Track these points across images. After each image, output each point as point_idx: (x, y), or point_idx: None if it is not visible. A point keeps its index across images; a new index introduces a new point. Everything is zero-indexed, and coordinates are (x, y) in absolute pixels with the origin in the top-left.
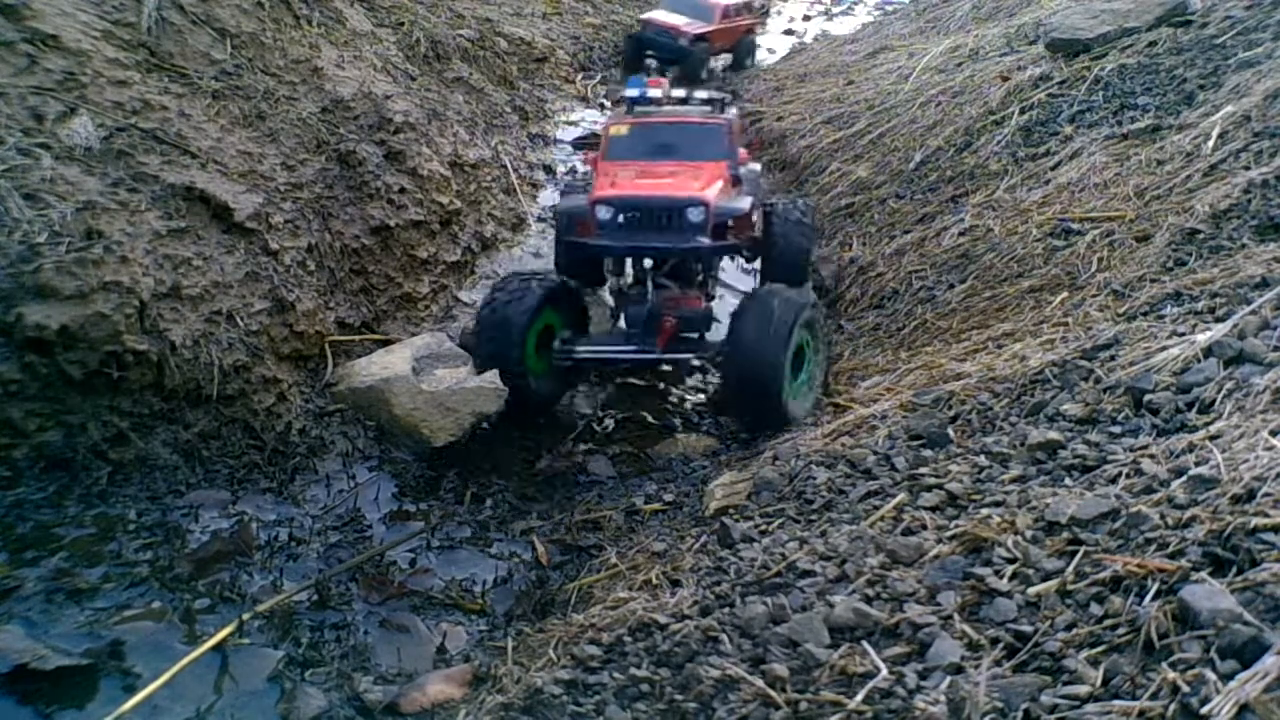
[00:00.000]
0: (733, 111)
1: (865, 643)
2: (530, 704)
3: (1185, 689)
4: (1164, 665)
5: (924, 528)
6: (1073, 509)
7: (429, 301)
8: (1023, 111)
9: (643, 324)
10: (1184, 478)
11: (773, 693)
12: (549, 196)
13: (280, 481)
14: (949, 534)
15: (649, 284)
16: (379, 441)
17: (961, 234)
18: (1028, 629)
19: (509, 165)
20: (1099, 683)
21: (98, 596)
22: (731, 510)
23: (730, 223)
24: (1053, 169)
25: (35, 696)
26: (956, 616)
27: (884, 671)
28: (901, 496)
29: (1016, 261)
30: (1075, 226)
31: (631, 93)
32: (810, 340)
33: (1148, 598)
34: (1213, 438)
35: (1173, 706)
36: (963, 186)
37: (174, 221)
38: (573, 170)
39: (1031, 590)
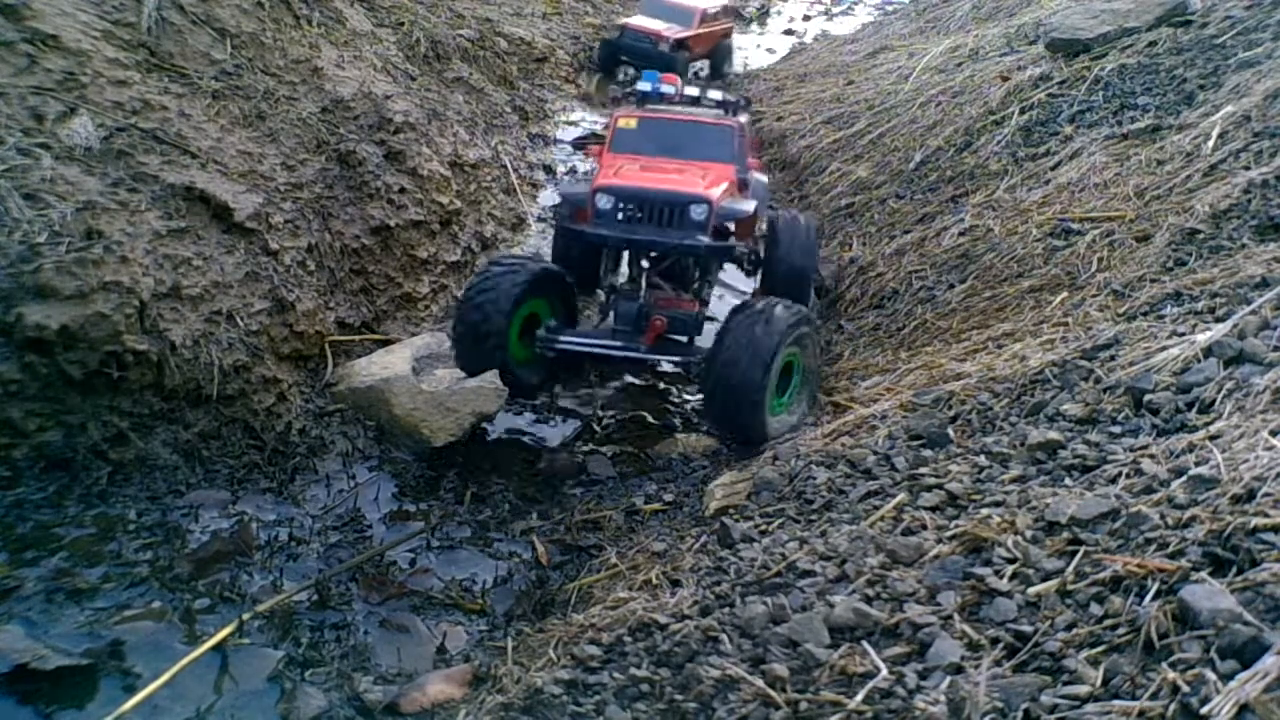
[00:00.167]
0: (744, 118)
1: (865, 643)
2: (530, 704)
3: (1185, 689)
4: (1164, 665)
5: (924, 528)
6: (1073, 509)
7: (429, 301)
8: (1023, 111)
9: (632, 321)
10: (1184, 478)
11: (773, 693)
12: (549, 196)
13: (280, 481)
14: (949, 534)
15: (642, 281)
16: (379, 441)
17: (961, 234)
18: (1028, 629)
19: (509, 165)
20: (1099, 683)
21: (98, 596)
22: (731, 510)
23: (733, 226)
24: (1053, 169)
25: (35, 696)
26: (956, 616)
27: (884, 671)
28: (901, 496)
29: (1016, 261)
30: (1075, 226)
31: (645, 86)
32: (800, 357)
33: (1148, 598)
34: (1213, 438)
35: (1173, 706)
36: (963, 186)
37: (174, 221)
38: (573, 170)
39: (1031, 590)
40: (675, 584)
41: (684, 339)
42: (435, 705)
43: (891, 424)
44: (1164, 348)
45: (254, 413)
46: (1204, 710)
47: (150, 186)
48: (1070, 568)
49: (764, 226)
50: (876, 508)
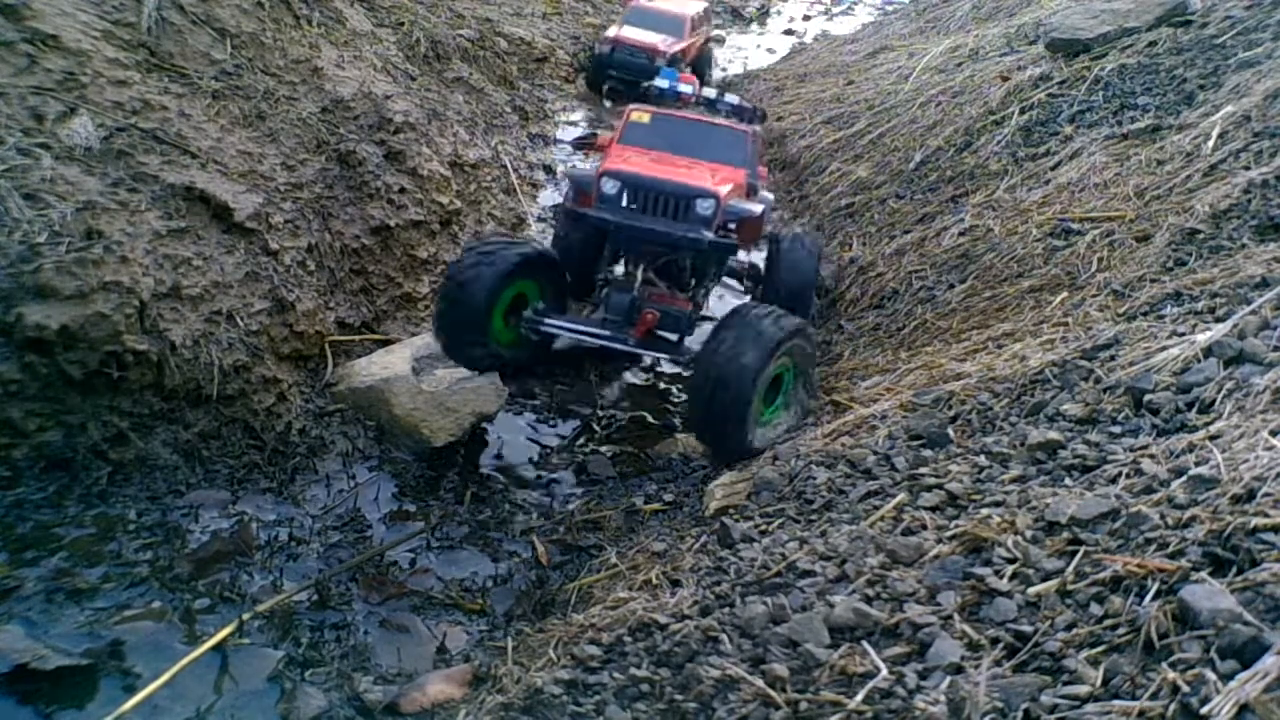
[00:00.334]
0: (757, 128)
1: (865, 643)
2: (530, 704)
3: (1185, 689)
4: (1164, 665)
5: (924, 528)
6: (1073, 509)
7: (429, 301)
8: (1023, 111)
9: (623, 312)
10: (1184, 478)
11: (773, 693)
12: (549, 196)
13: (280, 481)
14: (949, 534)
15: (638, 274)
16: (379, 441)
17: (961, 234)
18: (1028, 629)
19: (509, 165)
20: (1099, 683)
21: (98, 596)
22: (731, 510)
23: (736, 227)
24: (1053, 169)
25: (35, 696)
26: (956, 616)
27: (884, 671)
28: (901, 496)
29: (1016, 261)
30: (1075, 226)
31: (662, 83)
32: (792, 369)
33: (1148, 598)
34: (1213, 438)
35: (1173, 706)
36: (963, 186)
37: (174, 221)
38: (574, 168)
39: (1031, 590)
40: (675, 584)
41: (674, 337)
42: (435, 705)
43: (891, 424)
44: (1164, 348)
45: (254, 413)
46: (1204, 710)
47: (150, 186)
48: (1070, 568)
49: (767, 235)
50: (876, 508)
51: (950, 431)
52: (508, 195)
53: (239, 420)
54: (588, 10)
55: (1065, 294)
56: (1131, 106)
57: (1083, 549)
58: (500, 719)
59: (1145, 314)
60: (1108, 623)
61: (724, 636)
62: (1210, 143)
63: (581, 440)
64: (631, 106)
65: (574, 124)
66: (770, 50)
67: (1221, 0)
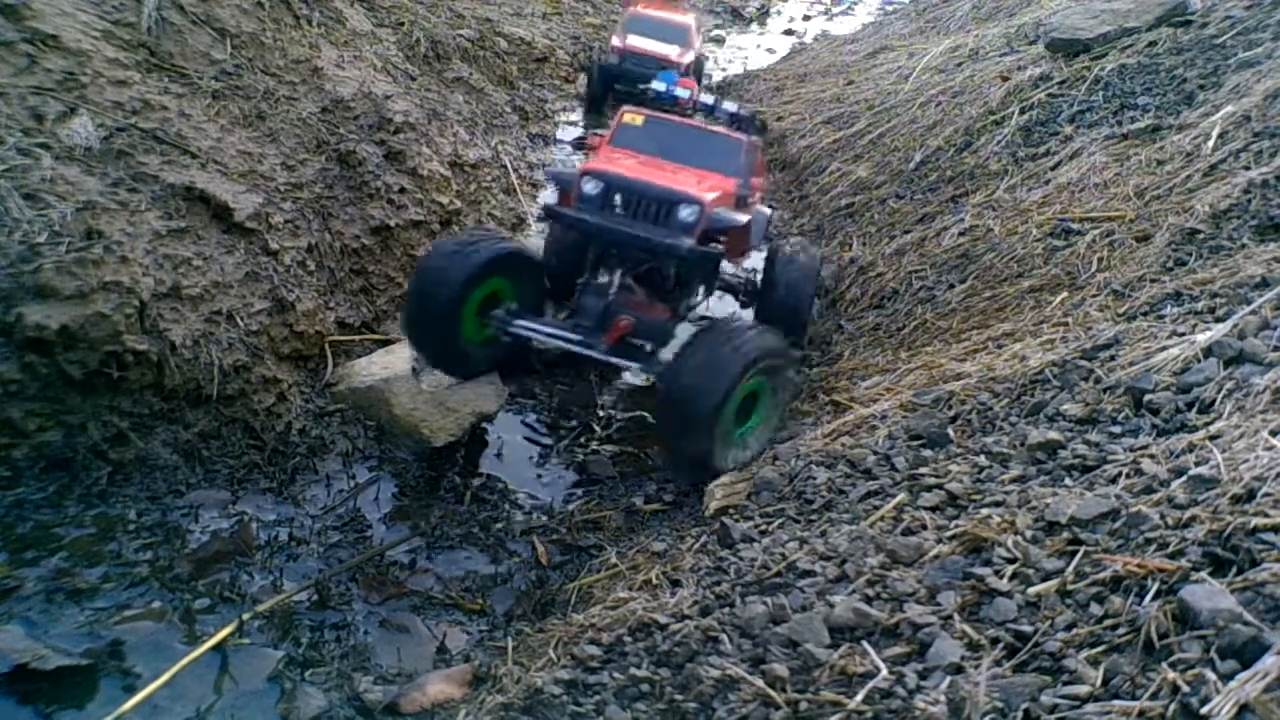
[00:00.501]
0: (754, 139)
1: (865, 643)
2: (530, 704)
3: (1185, 689)
4: (1164, 665)
5: (924, 528)
6: (1073, 509)
7: None
8: (1023, 111)
9: (596, 316)
10: (1184, 478)
11: (773, 693)
12: (549, 196)
13: (280, 481)
14: (949, 534)
15: (616, 278)
16: (379, 441)
17: (961, 234)
18: (1028, 629)
19: (509, 165)
20: (1099, 683)
21: (98, 596)
22: (731, 510)
23: (724, 237)
24: (1053, 169)
25: (35, 696)
26: (956, 616)
27: (884, 671)
28: (901, 496)
29: (1016, 261)
30: (1075, 226)
31: (659, 86)
32: (767, 388)
33: (1148, 598)
34: (1213, 438)
35: (1173, 706)
36: (963, 186)
37: (174, 221)
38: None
39: (1031, 590)
40: (675, 584)
41: (648, 347)
42: (435, 705)
43: (891, 424)
44: (1164, 348)
45: (254, 413)
46: (1204, 710)
47: (150, 186)
48: (1070, 568)
49: (757, 254)
50: (876, 508)
51: (950, 431)
52: (508, 195)
53: (239, 420)
54: (588, 10)
55: (1065, 294)
56: (1131, 106)
57: (1083, 549)
58: (500, 719)
59: (1145, 314)
60: (1108, 623)
61: (724, 636)
62: (1210, 143)
63: (581, 440)
64: (624, 108)
65: (574, 124)
66: (770, 50)
67: (1221, 0)
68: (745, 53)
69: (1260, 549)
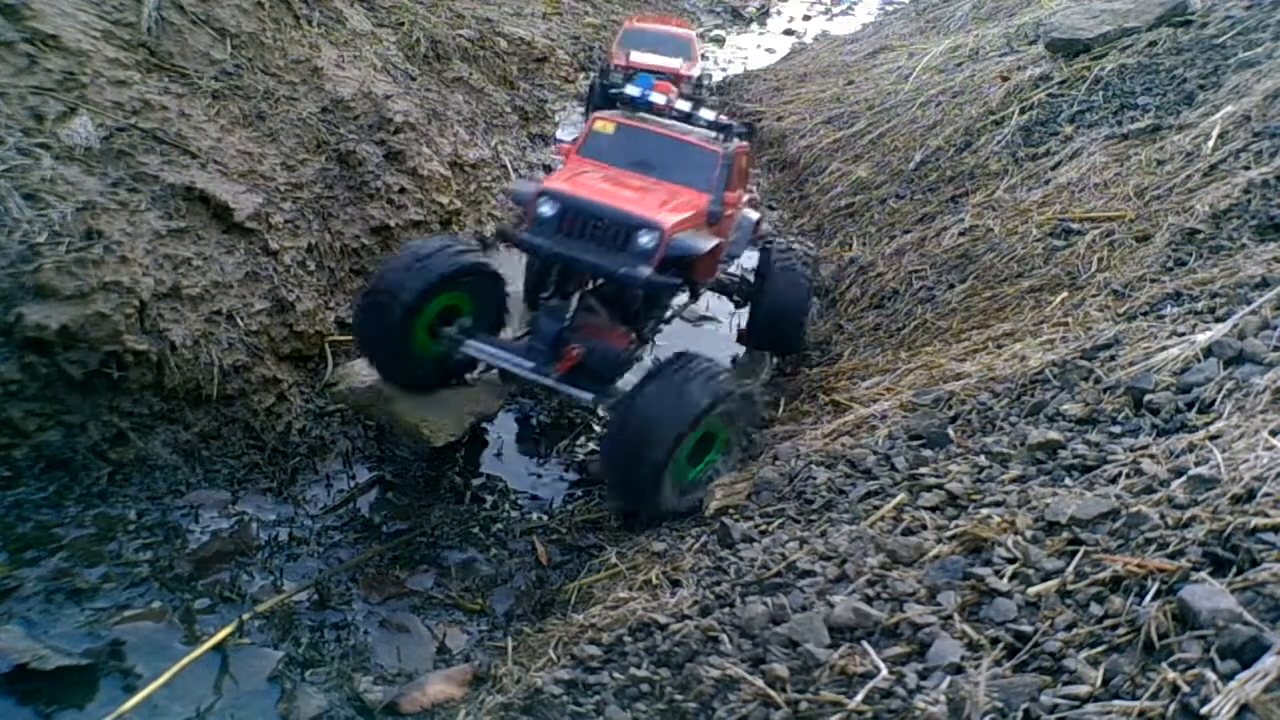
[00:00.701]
0: (735, 144)
1: (865, 643)
2: (530, 704)
3: (1185, 689)
4: (1164, 665)
5: (924, 528)
6: (1073, 509)
7: None
8: (1023, 111)
9: (549, 342)
10: (1184, 478)
11: (773, 693)
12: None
13: (280, 481)
14: (949, 534)
15: (574, 302)
16: (379, 441)
17: (961, 234)
18: (1028, 629)
19: (509, 165)
20: (1099, 683)
21: (98, 596)
22: (731, 510)
23: (691, 262)
24: (1053, 169)
25: (35, 696)
26: (956, 616)
27: (884, 671)
28: (901, 496)
29: (1016, 261)
30: (1075, 226)
31: (633, 91)
32: (725, 432)
33: (1148, 598)
34: (1213, 438)
35: (1173, 706)
36: (963, 186)
37: (174, 221)
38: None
39: (1031, 590)
40: (675, 584)
41: (604, 376)
42: (435, 705)
43: (891, 424)
44: (1164, 348)
45: (254, 413)
46: (1204, 710)
47: (150, 186)
48: (1070, 568)
49: (736, 269)
50: (876, 508)
51: (950, 431)
52: None
53: (239, 420)
54: (588, 10)
55: (1065, 294)
56: (1131, 106)
57: (1083, 549)
58: (500, 719)
59: (1145, 314)
60: (1108, 623)
61: (724, 636)
62: (1210, 143)
63: (581, 440)
64: (596, 115)
65: (575, 124)
66: (770, 50)
67: (1221, 0)
68: (745, 53)
69: (1260, 549)
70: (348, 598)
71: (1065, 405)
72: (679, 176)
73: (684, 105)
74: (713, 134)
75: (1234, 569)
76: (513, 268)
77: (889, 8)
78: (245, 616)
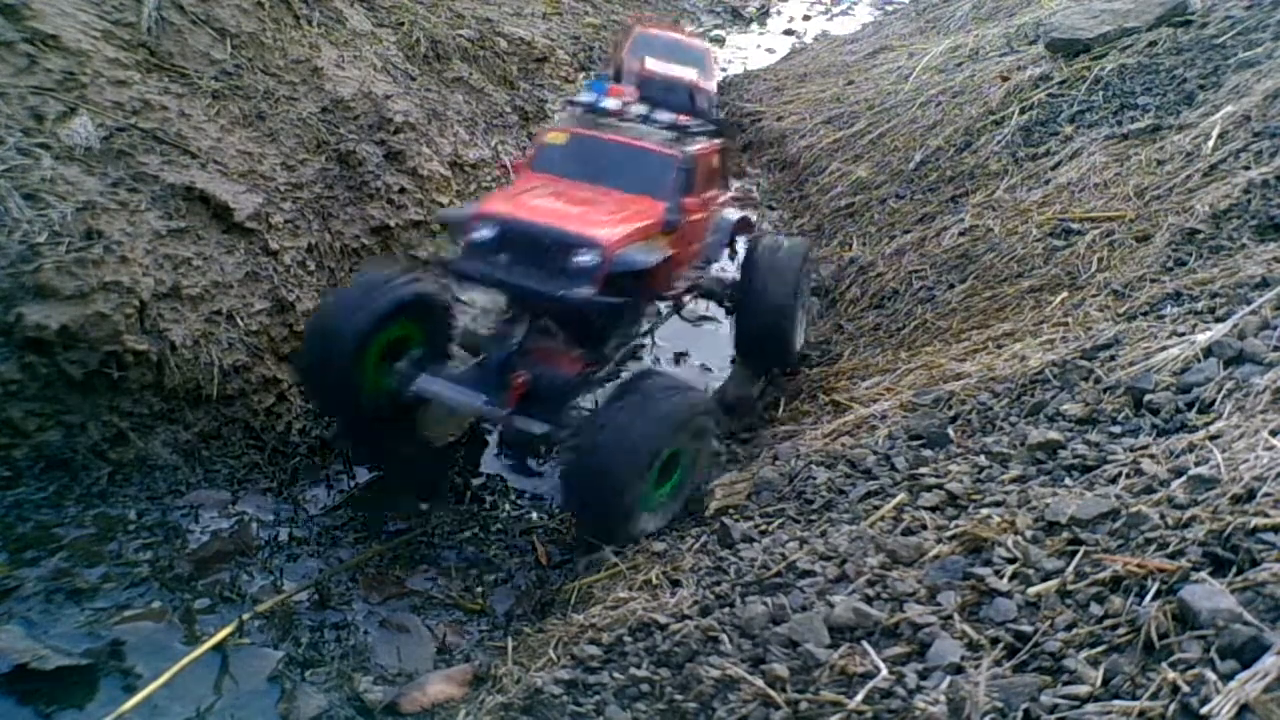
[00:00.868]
0: (701, 144)
1: (865, 643)
2: (530, 704)
3: (1185, 689)
4: (1164, 665)
5: (924, 528)
6: (1073, 509)
7: None
8: (1023, 111)
9: (495, 371)
10: (1184, 478)
11: (773, 693)
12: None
13: (280, 481)
14: (949, 534)
15: (523, 325)
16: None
17: (961, 234)
18: (1028, 629)
19: (509, 165)
20: (1099, 683)
21: (98, 596)
22: (731, 510)
23: (641, 277)
24: (1053, 169)
25: (35, 696)
26: (956, 616)
27: (884, 671)
28: (901, 496)
29: (1016, 261)
30: (1075, 226)
31: (586, 98)
32: (691, 449)
33: (1148, 598)
34: (1213, 438)
35: (1173, 706)
36: (963, 186)
37: (174, 221)
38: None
39: (1031, 590)
40: (675, 584)
41: (556, 404)
42: (435, 705)
43: (891, 424)
44: (1164, 348)
45: (254, 413)
46: (1204, 710)
47: (150, 186)
48: (1070, 568)
49: (702, 276)
50: (876, 508)
51: (950, 431)
52: None
53: (239, 420)
54: (588, 10)
55: (1065, 294)
56: (1131, 106)
57: (1083, 549)
58: (500, 719)
59: (1145, 314)
60: (1108, 623)
61: (724, 636)
62: (1210, 143)
63: None
64: (548, 125)
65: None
66: (770, 50)
67: (1221, 0)
68: (745, 53)
69: (1260, 549)
70: (348, 598)
71: (1065, 405)
72: (633, 185)
73: (640, 108)
74: (672, 134)
75: (1234, 569)
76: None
77: (889, 8)
78: (245, 616)
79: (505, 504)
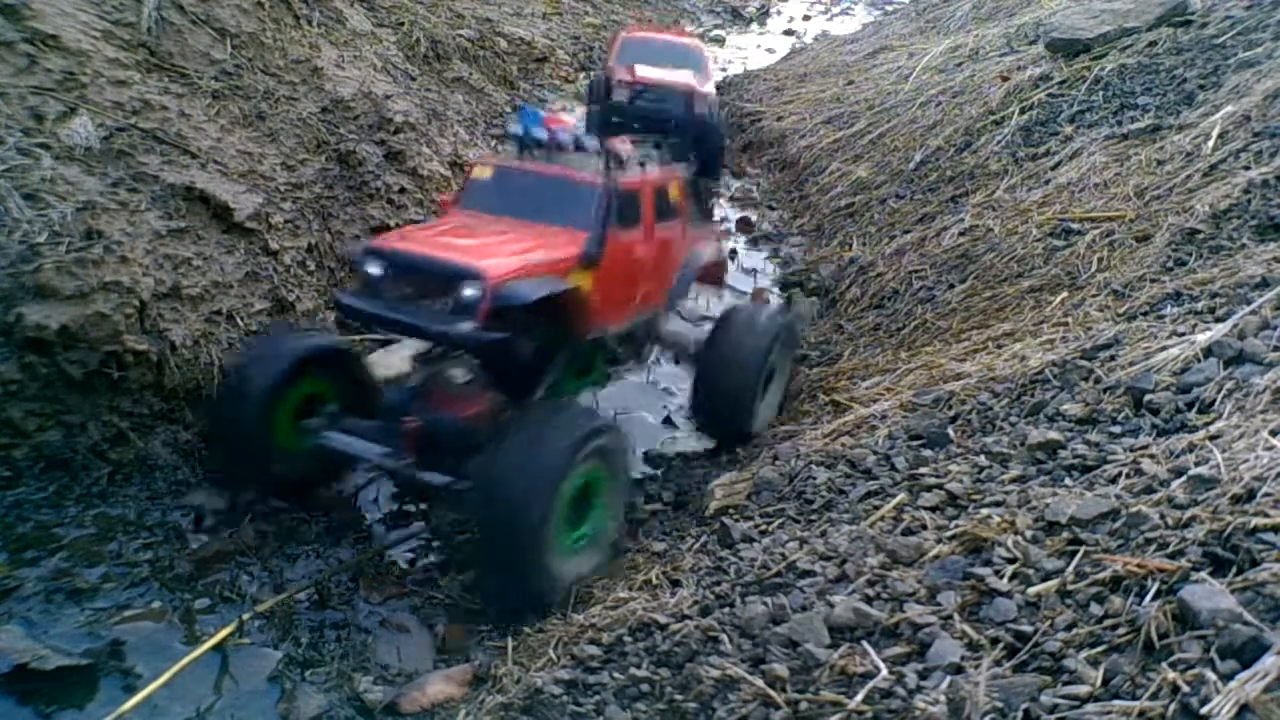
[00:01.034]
0: (644, 173)
1: (865, 643)
2: (530, 704)
3: (1185, 689)
4: (1164, 665)
5: (924, 528)
6: (1073, 509)
7: None
8: (1023, 111)
9: (394, 418)
10: (1184, 478)
11: (773, 693)
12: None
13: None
14: (949, 534)
15: (421, 367)
16: None
17: (961, 234)
18: (1028, 629)
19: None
20: (1099, 683)
21: (98, 596)
22: (731, 510)
23: (543, 313)
24: (1053, 169)
25: (35, 696)
26: (956, 616)
27: (884, 671)
28: (901, 496)
29: (1016, 261)
30: (1075, 226)
31: (515, 129)
32: (603, 477)
33: (1148, 598)
34: (1213, 438)
35: (1173, 706)
36: (963, 186)
37: (174, 221)
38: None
39: (1031, 590)
40: (675, 584)
41: (461, 450)
42: (435, 705)
43: (891, 424)
44: (1164, 348)
45: None
46: (1204, 710)
47: (150, 186)
48: (1070, 568)
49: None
50: (876, 508)
51: (950, 431)
52: None
53: None
54: (588, 10)
55: (1065, 294)
56: (1131, 106)
57: (1083, 549)
58: (500, 719)
59: (1145, 314)
60: (1108, 623)
61: (724, 636)
62: (1210, 143)
63: None
64: (476, 159)
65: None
66: (770, 50)
67: (1221, 0)
68: (745, 53)
69: (1260, 549)
70: (348, 598)
71: (1065, 405)
72: (555, 217)
73: (567, 136)
74: (605, 162)
75: (1234, 569)
76: None
77: (888, 7)
78: (245, 616)
79: None
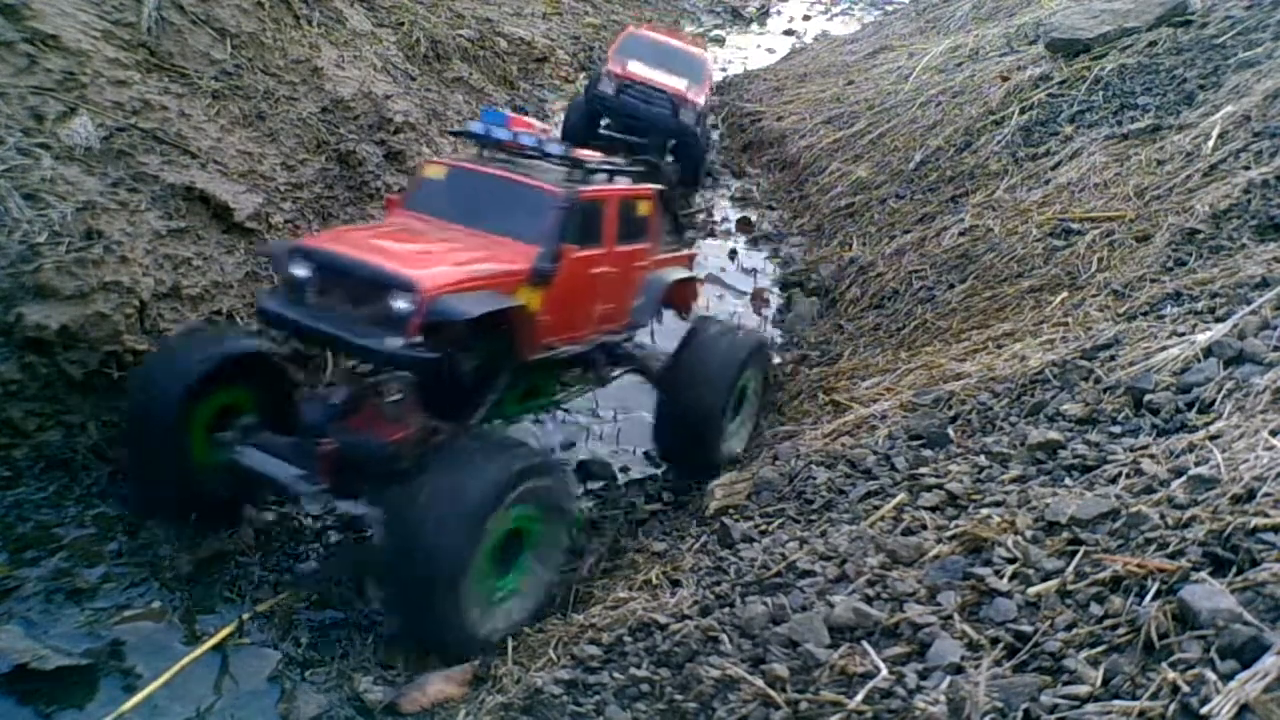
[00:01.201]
0: (611, 185)
1: (865, 643)
2: (530, 704)
3: (1185, 689)
4: (1164, 665)
5: (924, 528)
6: (1073, 509)
7: None
8: (1023, 111)
9: (309, 437)
10: (1184, 478)
11: (773, 693)
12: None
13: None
14: (949, 534)
15: (340, 381)
16: None
17: (961, 234)
18: (1028, 629)
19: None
20: (1099, 683)
21: (98, 596)
22: (731, 510)
23: (482, 331)
24: (1053, 169)
25: (35, 696)
26: (956, 616)
27: (884, 671)
28: (901, 496)
29: (1016, 261)
30: (1075, 226)
31: (476, 128)
32: (537, 521)
33: (1148, 598)
34: (1213, 438)
35: (1173, 706)
36: (963, 186)
37: (174, 221)
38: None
39: (1031, 590)
40: (675, 584)
41: (380, 473)
42: (435, 705)
43: (891, 424)
44: (1164, 348)
45: None
46: (1204, 710)
47: (150, 186)
48: (1070, 568)
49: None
50: (876, 508)
51: (950, 431)
52: None
53: None
54: (588, 10)
55: (1065, 294)
56: (1131, 106)
57: (1083, 549)
58: (500, 719)
59: (1145, 314)
60: (1108, 623)
61: (724, 636)
62: (1210, 143)
63: (581, 441)
64: (428, 159)
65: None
66: (770, 50)
67: (1221, 0)
68: (745, 53)
69: (1260, 549)
70: (348, 598)
71: (1065, 405)
72: (506, 226)
73: (531, 139)
74: (566, 169)
75: (1234, 569)
76: None
77: (888, 7)
78: (245, 616)
79: None
